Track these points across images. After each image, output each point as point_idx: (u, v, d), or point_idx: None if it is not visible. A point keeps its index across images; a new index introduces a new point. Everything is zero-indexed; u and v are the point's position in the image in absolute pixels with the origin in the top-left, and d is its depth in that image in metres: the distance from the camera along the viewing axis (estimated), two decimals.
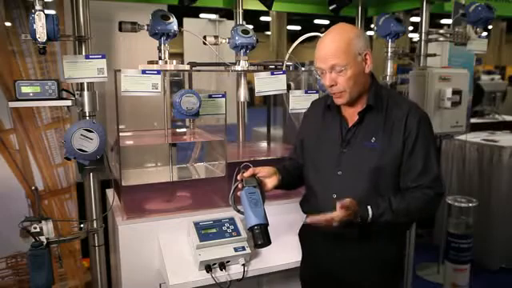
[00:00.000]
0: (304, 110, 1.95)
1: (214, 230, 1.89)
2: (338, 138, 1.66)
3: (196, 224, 1.89)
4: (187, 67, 2.10)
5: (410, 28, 7.30)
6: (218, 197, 2.11)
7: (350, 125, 1.65)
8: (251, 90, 2.22)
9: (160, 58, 2.00)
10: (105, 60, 1.78)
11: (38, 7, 1.52)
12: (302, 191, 1.85)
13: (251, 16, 3.38)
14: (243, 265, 1.86)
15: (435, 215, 3.93)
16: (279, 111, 2.90)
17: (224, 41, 2.15)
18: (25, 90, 1.70)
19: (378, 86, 1.68)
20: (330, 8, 2.64)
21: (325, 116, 1.75)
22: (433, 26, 2.81)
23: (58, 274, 2.52)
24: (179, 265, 1.84)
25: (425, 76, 2.68)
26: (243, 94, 2.26)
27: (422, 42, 2.81)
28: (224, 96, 2.05)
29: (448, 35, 2.76)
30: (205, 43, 2.14)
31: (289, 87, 2.21)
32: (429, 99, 2.67)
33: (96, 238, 1.96)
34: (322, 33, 1.84)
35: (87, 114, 1.84)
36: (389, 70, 2.71)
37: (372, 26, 3.33)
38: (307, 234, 1.82)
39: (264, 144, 2.91)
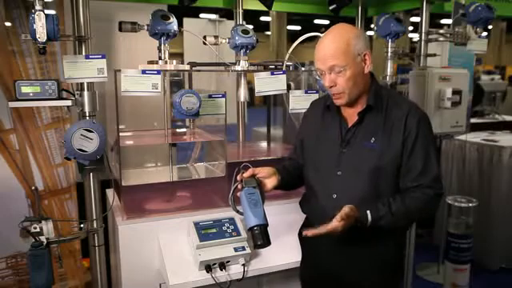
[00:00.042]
0: (304, 110, 1.95)
1: (213, 230, 1.89)
2: (338, 138, 1.66)
3: (196, 224, 1.89)
4: (187, 67, 2.10)
5: (410, 28, 7.31)
6: (218, 197, 2.11)
7: (350, 125, 1.65)
8: (251, 89, 2.21)
9: (160, 58, 2.00)
10: (105, 60, 1.78)
11: (38, 7, 1.52)
12: (302, 191, 1.85)
13: (251, 16, 3.38)
14: (243, 265, 1.86)
15: (435, 215, 3.93)
16: (279, 111, 2.90)
17: (224, 41, 2.15)
18: (25, 90, 1.70)
19: (378, 86, 1.68)
20: (330, 8, 2.64)
21: (324, 116, 1.75)
22: (433, 26, 2.81)
23: (58, 274, 2.52)
24: (179, 265, 1.84)
25: (425, 76, 2.68)
26: (243, 94, 2.26)
27: (422, 42, 2.81)
28: (224, 96, 2.05)
29: (448, 35, 2.76)
30: (205, 43, 2.14)
31: (289, 87, 2.21)
32: (429, 99, 2.67)
33: (96, 238, 1.96)
34: (321, 33, 1.84)
35: (87, 114, 1.84)
36: (389, 70, 2.71)
37: (372, 25, 3.33)
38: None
39: (264, 144, 2.91)
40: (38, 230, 1.77)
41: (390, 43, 2.65)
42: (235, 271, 1.86)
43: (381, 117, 1.60)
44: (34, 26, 1.52)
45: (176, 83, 2.32)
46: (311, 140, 1.77)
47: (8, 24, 2.32)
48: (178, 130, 2.49)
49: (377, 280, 1.66)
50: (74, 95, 1.81)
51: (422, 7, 2.75)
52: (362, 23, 3.05)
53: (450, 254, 3.21)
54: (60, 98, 1.75)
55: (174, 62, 2.02)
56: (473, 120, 4.73)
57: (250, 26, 2.14)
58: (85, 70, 1.77)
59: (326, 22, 15.80)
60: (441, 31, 2.81)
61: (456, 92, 2.66)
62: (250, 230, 1.56)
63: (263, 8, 2.53)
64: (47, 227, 1.79)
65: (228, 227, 1.92)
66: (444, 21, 7.68)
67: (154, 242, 1.93)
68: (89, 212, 1.95)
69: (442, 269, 3.49)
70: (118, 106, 1.88)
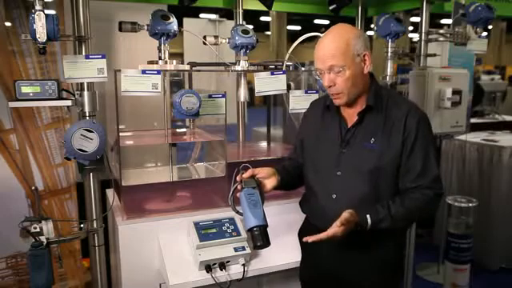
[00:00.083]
0: (304, 110, 1.95)
1: (214, 230, 1.89)
2: (338, 138, 1.66)
3: (196, 224, 1.89)
4: (187, 67, 2.10)
5: (410, 28, 7.30)
6: (218, 197, 2.11)
7: (350, 125, 1.65)
8: (251, 89, 2.21)
9: (160, 58, 2.00)
10: (105, 60, 1.78)
11: (38, 7, 1.52)
12: (302, 191, 1.85)
13: (251, 16, 3.38)
14: (243, 265, 1.86)
15: (435, 215, 3.93)
16: (279, 111, 2.90)
17: (224, 41, 2.15)
18: (25, 90, 1.70)
19: (378, 86, 1.68)
20: (330, 8, 2.64)
21: (324, 116, 1.75)
22: (433, 26, 2.81)
23: (58, 274, 2.52)
24: (179, 265, 1.84)
25: (425, 76, 2.68)
26: (243, 94, 2.26)
27: (422, 42, 2.81)
28: (224, 96, 2.05)
29: (448, 35, 2.76)
30: (205, 43, 2.14)
31: (289, 87, 2.21)
32: (429, 99, 2.67)
33: (96, 238, 1.96)
34: (321, 33, 1.84)
35: (87, 114, 1.84)
36: (389, 70, 2.71)
37: (372, 25, 3.33)
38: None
39: (264, 144, 2.91)
40: (37, 229, 1.78)
41: (390, 43, 2.65)
42: (235, 271, 1.86)
43: (380, 117, 1.60)
44: (34, 26, 1.52)
45: (176, 83, 2.32)
46: (311, 140, 1.77)
47: (8, 24, 2.32)
48: (178, 130, 2.49)
49: (377, 280, 1.67)
50: (74, 95, 1.81)
51: (422, 7, 2.75)
52: (362, 23, 3.05)
53: (450, 254, 3.21)
54: (60, 98, 1.75)
55: (174, 61, 2.02)
56: (473, 120, 4.73)
57: (250, 26, 2.14)
58: (85, 69, 1.77)
59: (326, 21, 15.80)
60: (441, 31, 2.81)
61: (456, 92, 2.66)
62: (250, 230, 1.56)
63: (263, 8, 2.53)
64: (47, 227, 1.79)
65: (228, 227, 1.92)
66: (444, 21, 7.68)
67: (154, 242, 1.93)
68: (89, 212, 1.95)
69: (442, 269, 3.49)
70: (118, 106, 1.88)
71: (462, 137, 3.69)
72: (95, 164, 1.83)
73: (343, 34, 1.54)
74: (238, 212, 1.66)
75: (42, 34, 1.52)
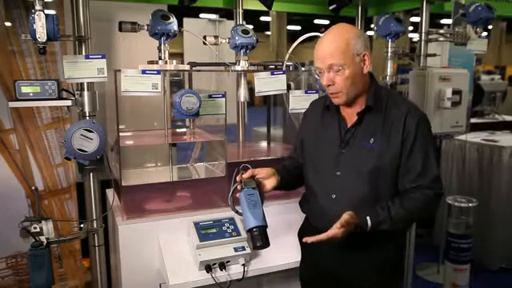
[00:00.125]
0: (304, 110, 1.96)
1: (213, 230, 1.89)
2: (337, 138, 1.66)
3: (196, 224, 1.89)
4: (187, 67, 2.10)
5: (410, 28, 7.30)
6: (218, 197, 2.11)
7: (349, 125, 1.65)
8: (251, 89, 2.22)
9: (160, 58, 2.00)
10: (105, 60, 1.78)
11: (38, 7, 1.52)
12: (302, 191, 1.85)
13: (251, 16, 3.38)
14: (243, 265, 1.86)
15: (435, 215, 3.93)
16: (279, 111, 2.90)
17: (224, 41, 2.15)
18: (25, 90, 1.70)
19: (378, 86, 1.68)
20: (330, 8, 2.64)
21: (324, 116, 1.75)
22: (433, 26, 2.81)
23: (58, 274, 2.52)
24: (179, 265, 1.84)
25: (425, 76, 2.68)
26: (243, 94, 2.26)
27: (422, 42, 2.81)
28: (224, 96, 2.05)
29: (448, 35, 2.76)
30: (205, 43, 2.14)
31: (289, 87, 2.21)
32: (429, 99, 2.67)
33: (96, 238, 1.96)
34: (321, 33, 1.84)
35: (87, 114, 1.84)
36: (389, 70, 2.71)
37: (372, 25, 3.33)
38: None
39: (264, 144, 2.91)
40: (37, 230, 1.78)
41: (389, 43, 2.65)
42: (235, 271, 1.86)
43: (380, 117, 1.60)
44: (34, 26, 1.52)
45: (176, 83, 2.32)
46: (311, 140, 1.77)
47: (8, 24, 2.32)
48: (178, 130, 2.49)
49: (377, 280, 1.67)
50: (74, 95, 1.81)
51: (422, 7, 2.75)
52: (362, 23, 3.05)
53: (450, 254, 3.21)
54: (60, 98, 1.75)
55: (174, 61, 2.02)
56: (473, 120, 4.73)
57: (250, 26, 2.14)
58: (85, 69, 1.77)
59: (326, 22, 15.80)
60: (441, 31, 2.81)
61: (456, 92, 2.66)
62: (249, 231, 1.56)
63: (263, 8, 2.52)
64: (47, 227, 1.79)
65: (228, 227, 1.92)
66: (444, 21, 7.68)
67: (154, 242, 1.93)
68: (89, 212, 1.95)
69: (442, 269, 3.49)
70: (118, 106, 1.88)
71: (462, 137, 3.70)
72: (95, 164, 1.83)
73: (343, 34, 1.54)
74: (237, 212, 1.66)
75: (42, 34, 1.52)
